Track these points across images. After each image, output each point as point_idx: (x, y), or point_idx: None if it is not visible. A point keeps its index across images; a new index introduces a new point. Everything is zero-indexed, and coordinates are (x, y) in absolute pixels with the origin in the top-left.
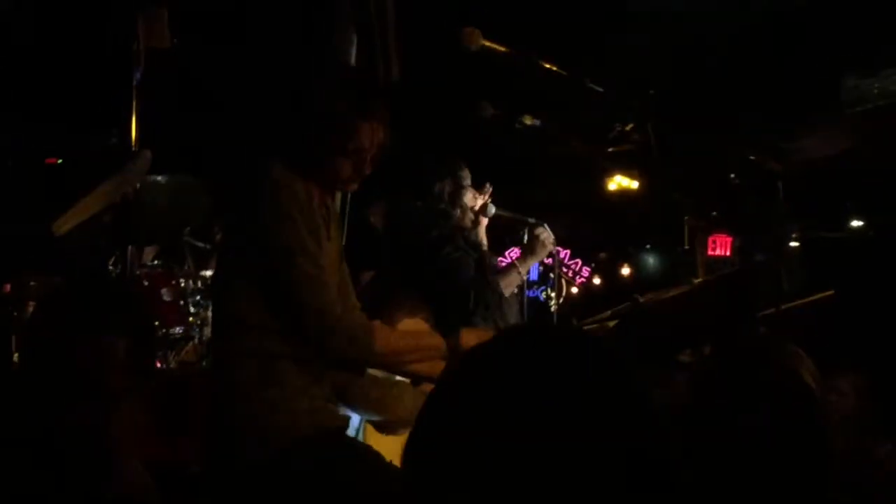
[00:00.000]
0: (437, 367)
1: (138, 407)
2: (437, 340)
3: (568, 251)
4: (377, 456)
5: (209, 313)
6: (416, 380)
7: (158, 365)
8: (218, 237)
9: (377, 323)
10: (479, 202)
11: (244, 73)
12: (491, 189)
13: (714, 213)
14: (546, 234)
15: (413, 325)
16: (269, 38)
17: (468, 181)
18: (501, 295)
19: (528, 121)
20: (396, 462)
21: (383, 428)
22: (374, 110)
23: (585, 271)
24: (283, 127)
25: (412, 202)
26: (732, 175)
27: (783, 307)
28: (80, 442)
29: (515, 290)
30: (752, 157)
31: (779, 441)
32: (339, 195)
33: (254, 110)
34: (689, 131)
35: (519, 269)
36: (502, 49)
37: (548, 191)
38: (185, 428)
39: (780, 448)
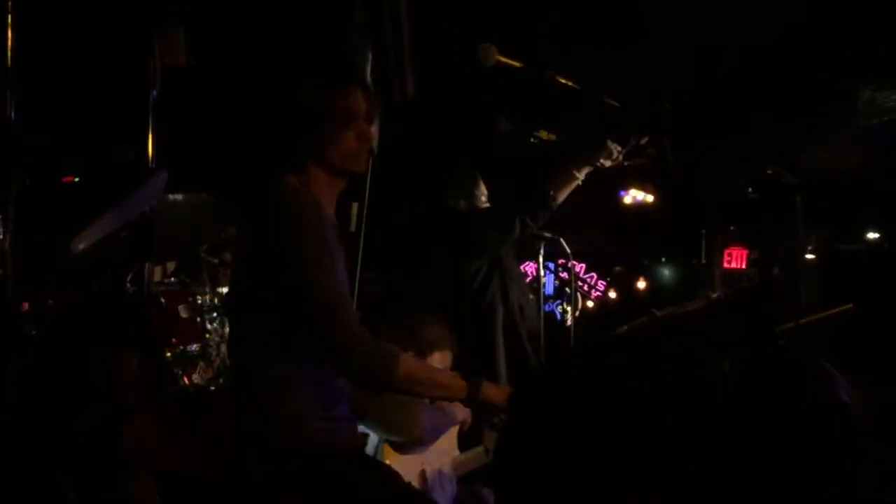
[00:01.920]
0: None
1: (151, 420)
2: (460, 383)
3: (584, 265)
4: (394, 474)
5: (226, 330)
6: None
7: (186, 380)
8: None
9: (399, 350)
10: None
11: (258, 90)
12: None
13: (731, 226)
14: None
15: (439, 361)
16: (284, 56)
17: (484, 198)
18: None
19: (543, 135)
20: (413, 481)
21: (401, 447)
22: (354, 77)
23: (601, 285)
24: (285, 132)
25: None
26: (749, 189)
27: (803, 321)
28: (92, 454)
29: (532, 297)
30: (768, 171)
31: (816, 459)
32: (354, 208)
33: (265, 126)
34: (706, 145)
35: (574, 171)
36: (517, 64)
37: (563, 204)
38: (200, 441)
39: (817, 466)
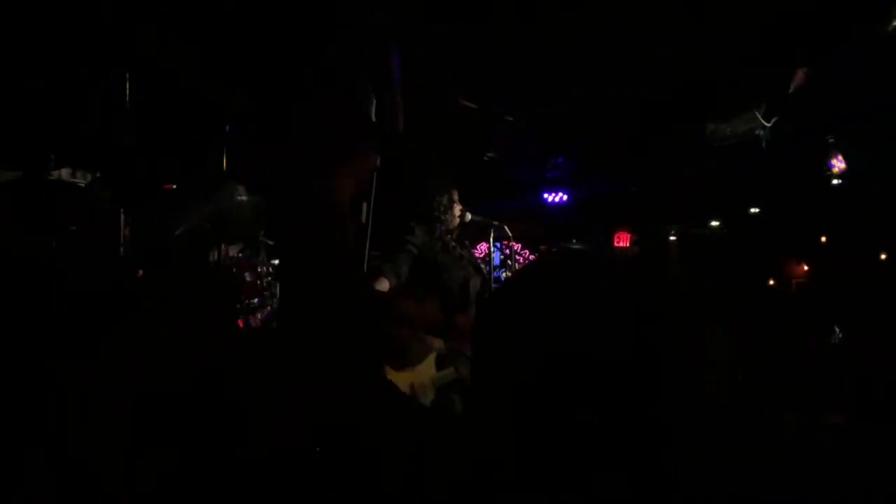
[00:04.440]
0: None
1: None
2: (438, 316)
3: (519, 245)
4: (393, 385)
5: (276, 290)
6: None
7: (241, 324)
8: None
9: (396, 297)
10: (459, 211)
11: (297, 121)
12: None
13: (620, 215)
14: None
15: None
16: (311, 96)
17: (456, 196)
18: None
19: (492, 155)
20: (406, 390)
21: (398, 367)
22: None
23: (532, 258)
24: (329, 154)
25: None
26: (634, 189)
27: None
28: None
29: (486, 267)
30: (649, 177)
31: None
32: (364, 207)
33: (303, 147)
34: (601, 163)
35: None
36: (474, 106)
37: (506, 202)
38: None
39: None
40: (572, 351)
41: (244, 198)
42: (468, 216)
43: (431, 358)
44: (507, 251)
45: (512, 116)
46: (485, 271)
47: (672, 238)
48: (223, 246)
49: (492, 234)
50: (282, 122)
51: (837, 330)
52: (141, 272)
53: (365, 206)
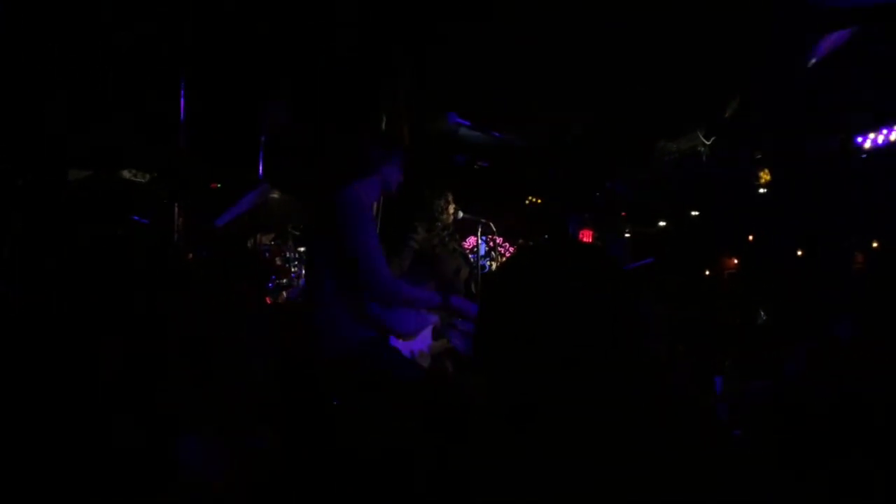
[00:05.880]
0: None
1: (261, 319)
2: (435, 296)
3: (501, 238)
4: (398, 351)
5: (301, 271)
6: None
7: (269, 301)
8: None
9: (403, 283)
10: (453, 210)
11: (327, 138)
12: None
13: (586, 216)
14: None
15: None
16: (340, 118)
17: (451, 199)
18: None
19: (481, 163)
20: (406, 355)
21: (401, 337)
22: (403, 150)
23: (512, 250)
24: (356, 166)
25: (418, 215)
26: (597, 194)
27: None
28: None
29: (472, 257)
30: (608, 184)
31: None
32: (375, 206)
33: (334, 159)
34: (570, 171)
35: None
36: (468, 123)
37: (492, 203)
38: (288, 333)
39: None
40: (551, 348)
41: (275, 196)
42: (460, 214)
43: (429, 329)
44: (492, 243)
45: (497, 132)
46: (472, 261)
47: (627, 235)
48: (258, 234)
49: (479, 229)
50: (315, 137)
51: (762, 312)
52: (190, 256)
53: (375, 205)
